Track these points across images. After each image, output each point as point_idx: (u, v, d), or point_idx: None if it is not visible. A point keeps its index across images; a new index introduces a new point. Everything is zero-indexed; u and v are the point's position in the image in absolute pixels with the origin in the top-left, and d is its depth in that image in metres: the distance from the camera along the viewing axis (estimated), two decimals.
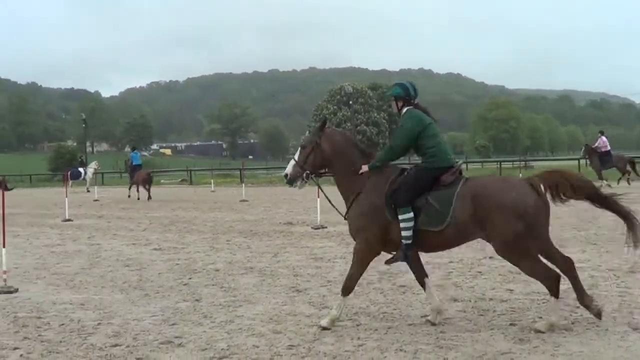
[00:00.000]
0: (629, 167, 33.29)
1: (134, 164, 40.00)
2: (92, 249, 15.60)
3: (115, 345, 7.26)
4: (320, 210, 19.60)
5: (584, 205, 8.04)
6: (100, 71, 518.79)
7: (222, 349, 6.96)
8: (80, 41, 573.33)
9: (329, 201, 8.84)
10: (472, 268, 11.25)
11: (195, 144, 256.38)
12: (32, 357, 6.98)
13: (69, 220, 23.51)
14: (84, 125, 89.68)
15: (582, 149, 35.98)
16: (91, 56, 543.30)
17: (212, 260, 13.07)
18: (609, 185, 29.69)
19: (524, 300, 8.73)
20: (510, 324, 7.60)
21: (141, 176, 37.89)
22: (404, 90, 8.05)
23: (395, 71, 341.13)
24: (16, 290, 10.50)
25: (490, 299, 8.88)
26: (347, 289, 7.81)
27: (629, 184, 32.06)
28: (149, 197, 35.58)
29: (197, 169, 75.53)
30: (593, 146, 33.61)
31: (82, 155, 64.06)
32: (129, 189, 39.10)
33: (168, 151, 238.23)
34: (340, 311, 7.81)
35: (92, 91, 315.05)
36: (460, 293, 9.31)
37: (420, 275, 8.10)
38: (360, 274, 7.93)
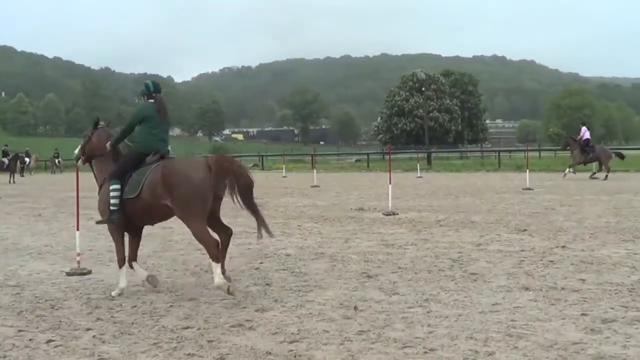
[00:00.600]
0: (610, 163, 33.58)
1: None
2: (164, 232, 15.76)
3: (187, 328, 7.33)
4: (392, 196, 19.55)
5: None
6: (172, 56, 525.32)
7: (292, 333, 6.98)
8: (153, 26, 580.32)
9: None
10: (544, 257, 11.09)
11: (267, 129, 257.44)
12: (104, 338, 7.07)
13: None
14: None
15: (563, 141, 37.30)
16: (164, 41, 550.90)
17: (283, 245, 13.12)
18: (574, 173, 32.95)
19: (595, 290, 8.57)
20: (582, 314, 7.46)
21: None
22: (146, 88, 9.72)
23: (468, 57, 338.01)
24: (89, 272, 10.69)
25: (562, 289, 8.73)
26: (119, 261, 9.30)
27: (605, 178, 32.07)
28: None
29: (268, 154, 75.95)
30: (577, 137, 33.88)
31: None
32: None
33: (240, 136, 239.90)
34: (124, 281, 9.13)
35: (165, 76, 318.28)
36: (531, 282, 9.18)
37: (133, 254, 9.64)
38: (121, 246, 9.41)
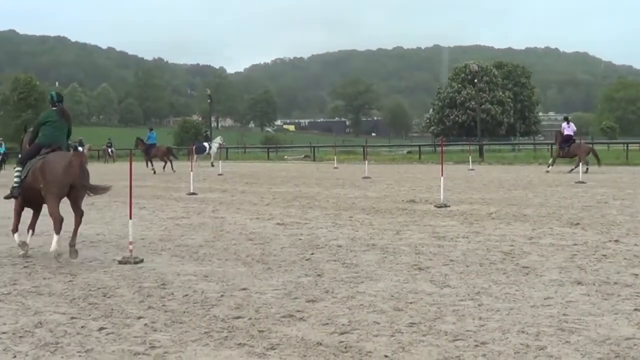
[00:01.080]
0: (587, 157, 33.64)
1: (149, 142, 44.55)
2: (216, 222, 15.88)
3: (238, 318, 7.36)
4: (444, 188, 19.47)
5: None
6: (225, 47, 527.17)
7: (343, 324, 6.98)
8: (206, 17, 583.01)
9: None
10: (596, 251, 10.96)
11: (319, 120, 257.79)
12: (155, 326, 7.13)
13: (193, 193, 24.03)
14: (209, 101, 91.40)
15: (554, 135, 38.12)
16: (216, 32, 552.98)
17: (335, 236, 13.12)
18: (547, 171, 33.98)
19: None
20: (635, 309, 7.36)
21: (161, 150, 43.55)
22: (51, 98, 12.10)
23: (520, 49, 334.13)
24: (141, 261, 10.78)
25: (615, 283, 8.62)
26: (13, 230, 11.81)
27: (586, 171, 31.88)
28: (172, 169, 42.11)
29: (320, 145, 76.01)
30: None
31: (207, 130, 65.20)
32: (147, 164, 43.41)
33: (292, 127, 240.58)
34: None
35: (217, 67, 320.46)
36: (584, 276, 9.08)
37: (32, 224, 12.06)
38: (17, 217, 11.83)
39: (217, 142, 53.61)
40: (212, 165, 49.35)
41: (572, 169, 33.21)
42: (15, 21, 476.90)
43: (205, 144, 53.07)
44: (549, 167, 35.32)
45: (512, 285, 8.57)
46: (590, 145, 37.59)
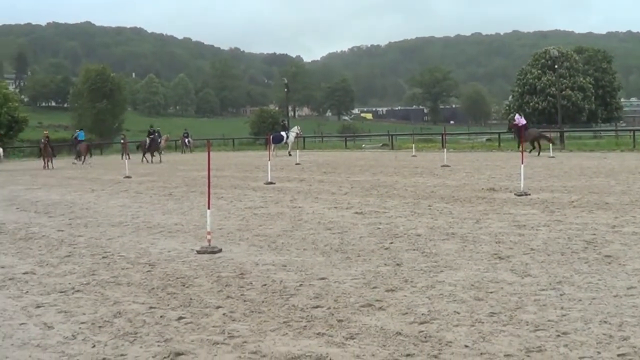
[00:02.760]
0: (536, 143, 41.54)
1: (78, 139, 54.45)
2: (294, 211, 15.98)
3: (317, 307, 7.40)
4: (524, 176, 19.25)
5: None
6: (301, 36, 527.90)
7: (422, 314, 6.98)
8: (282, 6, 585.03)
9: None
10: None
11: (396, 108, 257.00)
12: (234, 316, 7.21)
13: (271, 183, 24.19)
14: (285, 90, 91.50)
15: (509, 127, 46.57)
16: (293, 21, 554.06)
17: (414, 225, 13.09)
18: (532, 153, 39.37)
19: None
20: None
21: (83, 147, 52.26)
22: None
23: (601, 34, 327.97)
24: (220, 251, 10.91)
25: None
26: None
27: (538, 154, 39.97)
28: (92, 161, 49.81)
29: (398, 134, 75.60)
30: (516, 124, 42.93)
31: (284, 120, 65.40)
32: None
33: (369, 115, 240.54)
34: None
35: (294, 56, 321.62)
36: None
37: None
38: None
39: (294, 131, 53.77)
40: (290, 155, 49.59)
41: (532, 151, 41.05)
42: (91, 13, 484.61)
43: (283, 133, 53.28)
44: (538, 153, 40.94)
45: (594, 275, 8.45)
46: (540, 131, 45.13)
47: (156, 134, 51.84)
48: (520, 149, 38.50)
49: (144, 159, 49.82)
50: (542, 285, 8.00)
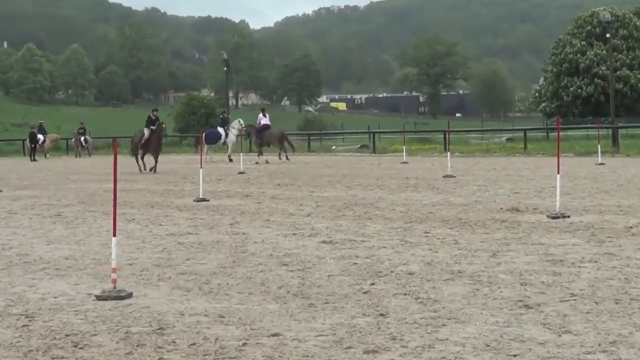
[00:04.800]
0: (279, 143, 49.28)
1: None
2: (235, 240, 15.95)
3: None
4: (561, 191, 19.34)
5: None
6: None
7: None
8: None
9: None
10: None
11: (381, 95, 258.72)
12: None
13: (203, 199, 24.16)
14: (225, 69, 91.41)
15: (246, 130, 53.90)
16: None
17: (404, 260, 13.11)
18: (267, 162, 46.46)
19: None
20: None
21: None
22: None
23: None
24: (129, 296, 10.81)
25: None
26: None
27: (287, 159, 48.27)
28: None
29: (382, 131, 76.09)
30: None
31: (224, 111, 64.91)
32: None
33: (342, 105, 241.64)
34: None
35: (237, 21, 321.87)
36: None
37: None
38: None
39: (235, 127, 53.49)
40: (230, 160, 49.60)
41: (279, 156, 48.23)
42: None
43: (220, 129, 53.07)
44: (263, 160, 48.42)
45: None
46: (282, 132, 53.21)
47: (37, 130, 51.61)
48: (258, 153, 44.93)
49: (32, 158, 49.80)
50: (587, 346, 8.01)
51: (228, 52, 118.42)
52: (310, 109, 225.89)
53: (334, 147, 69.76)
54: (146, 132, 44.03)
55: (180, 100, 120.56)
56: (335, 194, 25.48)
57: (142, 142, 43.95)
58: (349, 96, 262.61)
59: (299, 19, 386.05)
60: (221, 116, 59.15)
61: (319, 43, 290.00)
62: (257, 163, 47.14)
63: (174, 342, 8.57)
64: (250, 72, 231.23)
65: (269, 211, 21.00)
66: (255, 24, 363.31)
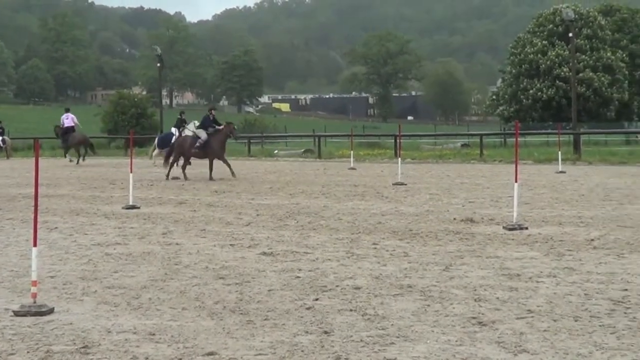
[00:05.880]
0: (84, 148, 52.78)
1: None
2: (168, 251, 15.92)
3: None
4: (518, 201, 19.46)
5: None
6: None
7: None
8: None
9: None
10: None
11: (327, 96, 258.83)
12: None
13: (133, 207, 24.07)
14: (158, 65, 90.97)
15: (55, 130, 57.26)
16: None
17: (350, 273, 13.14)
18: (71, 161, 52.09)
19: None
20: None
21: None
22: None
23: None
24: (51, 311, 10.73)
25: None
26: None
27: (83, 159, 53.44)
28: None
29: (329, 134, 76.08)
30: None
31: (183, 111, 63.19)
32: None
33: (285, 106, 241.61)
34: None
35: (172, 13, 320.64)
36: None
37: None
38: None
39: (190, 129, 52.25)
40: (155, 165, 49.37)
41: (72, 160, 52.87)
42: None
43: (174, 129, 52.17)
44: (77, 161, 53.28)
45: (626, 352, 8.54)
46: (85, 135, 56.59)
47: None
48: (66, 156, 46.68)
49: None
50: None
51: (162, 47, 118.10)
52: (250, 109, 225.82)
53: (276, 152, 69.68)
54: (202, 134, 39.13)
55: (108, 98, 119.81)
56: (277, 202, 25.48)
57: (198, 145, 38.73)
58: (293, 96, 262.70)
59: (239, 12, 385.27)
60: (179, 117, 57.50)
61: (261, 39, 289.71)
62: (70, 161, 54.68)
63: None
64: (186, 69, 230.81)
65: (205, 220, 20.97)
66: (191, 17, 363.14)
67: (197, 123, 51.47)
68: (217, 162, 37.31)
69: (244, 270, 13.56)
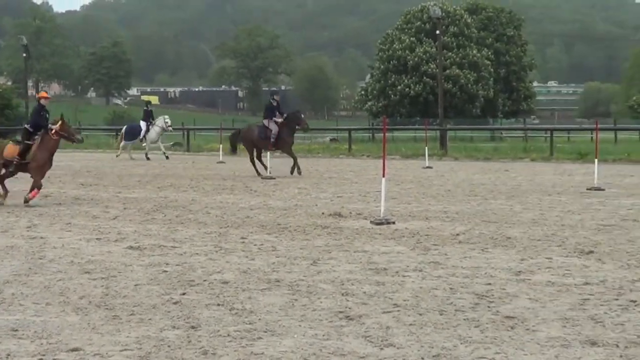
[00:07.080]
0: None
1: None
2: (32, 244, 15.70)
3: None
4: (386, 196, 19.54)
5: None
6: None
7: None
8: None
9: None
10: (620, 294, 11.07)
11: (197, 89, 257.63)
12: None
13: None
14: (24, 55, 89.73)
15: None
16: None
17: (218, 268, 13.10)
18: None
19: None
20: None
21: None
22: None
23: None
24: None
25: None
26: None
27: None
28: None
29: (198, 128, 75.81)
30: None
31: (149, 102, 61.66)
32: None
33: (154, 98, 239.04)
34: None
35: (39, 2, 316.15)
36: (600, 333, 9.14)
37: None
38: None
39: (159, 125, 51.07)
40: (148, 159, 48.89)
41: None
42: None
43: (143, 123, 51.22)
44: None
45: (489, 345, 8.62)
46: None
47: None
48: None
49: None
50: (410, 359, 8.10)
51: (28, 37, 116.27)
52: (119, 102, 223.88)
53: (144, 145, 69.15)
54: (272, 125, 35.98)
55: None
56: (145, 195, 25.32)
57: (265, 136, 35.91)
58: (162, 89, 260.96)
59: (109, 4, 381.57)
60: (145, 108, 55.76)
61: (131, 30, 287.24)
62: None
63: None
64: (52, 60, 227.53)
65: (71, 213, 20.74)
66: (59, 7, 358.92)
67: (167, 119, 50.62)
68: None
69: (110, 264, 13.43)
